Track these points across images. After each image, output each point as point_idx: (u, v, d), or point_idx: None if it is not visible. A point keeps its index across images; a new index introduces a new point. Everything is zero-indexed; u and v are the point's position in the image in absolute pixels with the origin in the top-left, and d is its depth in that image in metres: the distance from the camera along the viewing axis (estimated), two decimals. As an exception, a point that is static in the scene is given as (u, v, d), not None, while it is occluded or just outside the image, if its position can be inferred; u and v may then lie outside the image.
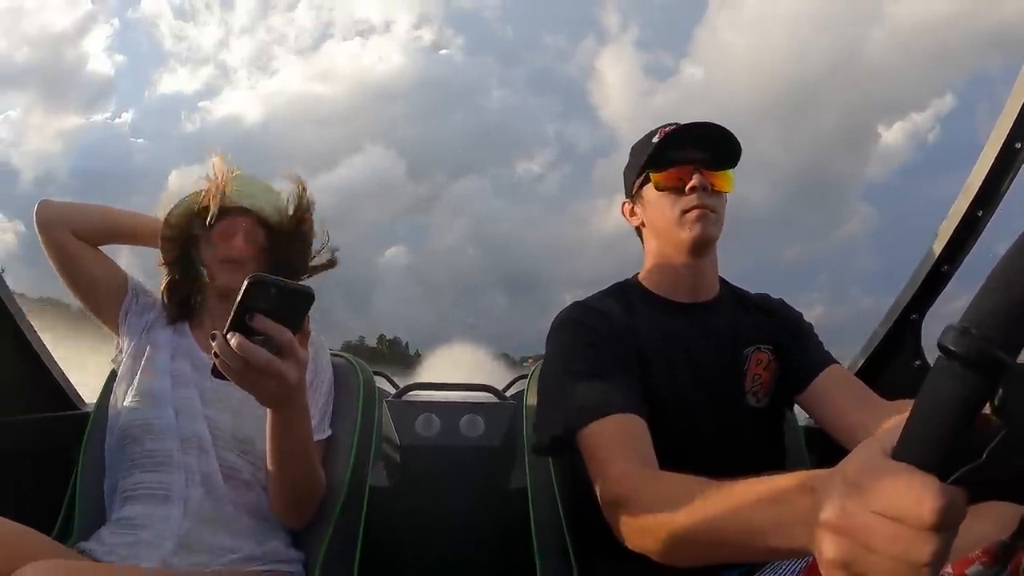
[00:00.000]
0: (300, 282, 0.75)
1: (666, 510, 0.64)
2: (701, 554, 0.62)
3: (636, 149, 1.07)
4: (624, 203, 1.10)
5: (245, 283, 0.71)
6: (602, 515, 0.78)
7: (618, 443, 0.81)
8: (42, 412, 1.31)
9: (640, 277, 1.08)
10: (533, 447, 1.02)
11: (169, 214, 1.12)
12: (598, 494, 0.79)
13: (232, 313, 0.72)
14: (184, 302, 1.15)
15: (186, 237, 1.12)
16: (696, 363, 0.99)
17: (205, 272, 1.12)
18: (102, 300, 1.15)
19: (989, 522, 0.54)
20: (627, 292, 1.06)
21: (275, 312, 0.72)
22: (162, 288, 1.15)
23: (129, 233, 1.17)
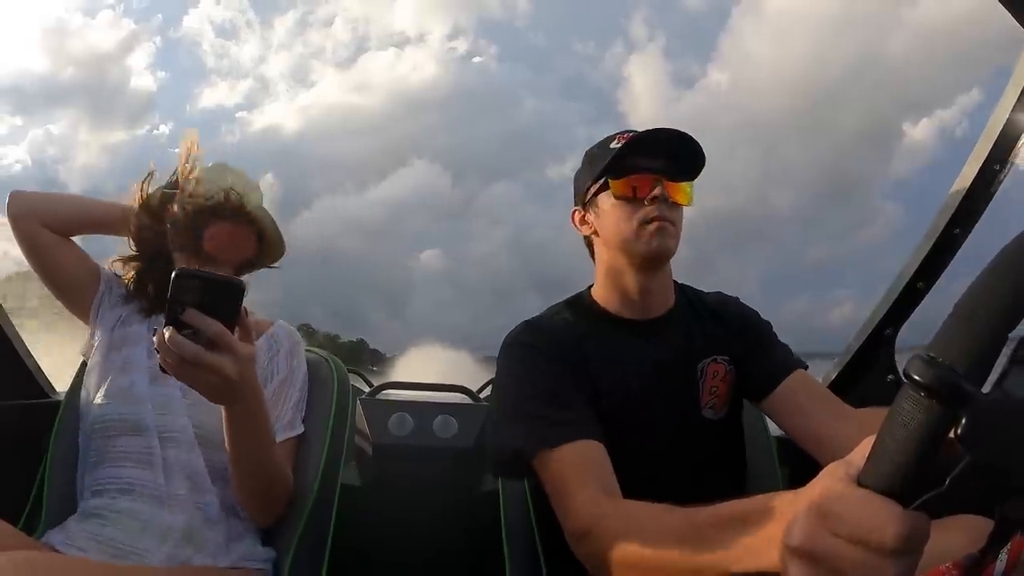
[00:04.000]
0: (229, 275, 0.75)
1: (634, 539, 0.63)
2: None
3: (592, 154, 1.01)
4: (575, 210, 1.05)
5: (172, 277, 0.72)
6: None
7: (578, 472, 0.79)
8: (13, 399, 1.29)
9: (593, 292, 1.04)
10: (494, 467, 1.02)
11: (146, 203, 1.10)
12: (563, 527, 0.78)
13: (167, 308, 0.72)
14: (159, 293, 1.12)
15: (163, 227, 1.09)
16: (649, 382, 0.96)
17: (176, 261, 1.09)
18: (74, 293, 1.13)
19: (960, 535, 0.54)
20: (580, 308, 1.02)
21: (203, 305, 0.73)
22: (129, 279, 1.13)
23: (101, 223, 1.15)
